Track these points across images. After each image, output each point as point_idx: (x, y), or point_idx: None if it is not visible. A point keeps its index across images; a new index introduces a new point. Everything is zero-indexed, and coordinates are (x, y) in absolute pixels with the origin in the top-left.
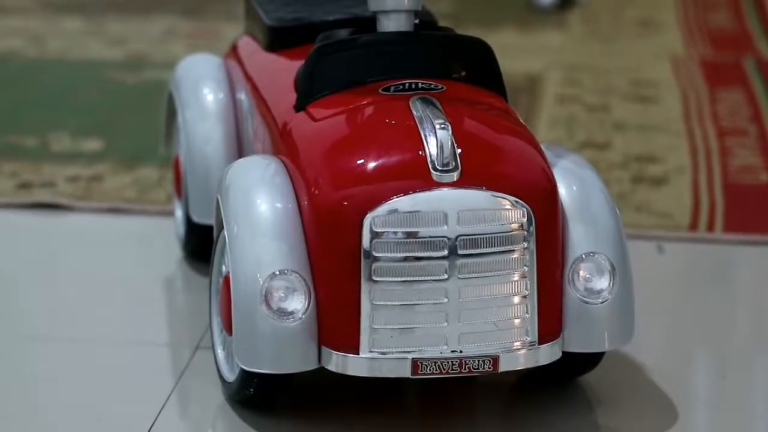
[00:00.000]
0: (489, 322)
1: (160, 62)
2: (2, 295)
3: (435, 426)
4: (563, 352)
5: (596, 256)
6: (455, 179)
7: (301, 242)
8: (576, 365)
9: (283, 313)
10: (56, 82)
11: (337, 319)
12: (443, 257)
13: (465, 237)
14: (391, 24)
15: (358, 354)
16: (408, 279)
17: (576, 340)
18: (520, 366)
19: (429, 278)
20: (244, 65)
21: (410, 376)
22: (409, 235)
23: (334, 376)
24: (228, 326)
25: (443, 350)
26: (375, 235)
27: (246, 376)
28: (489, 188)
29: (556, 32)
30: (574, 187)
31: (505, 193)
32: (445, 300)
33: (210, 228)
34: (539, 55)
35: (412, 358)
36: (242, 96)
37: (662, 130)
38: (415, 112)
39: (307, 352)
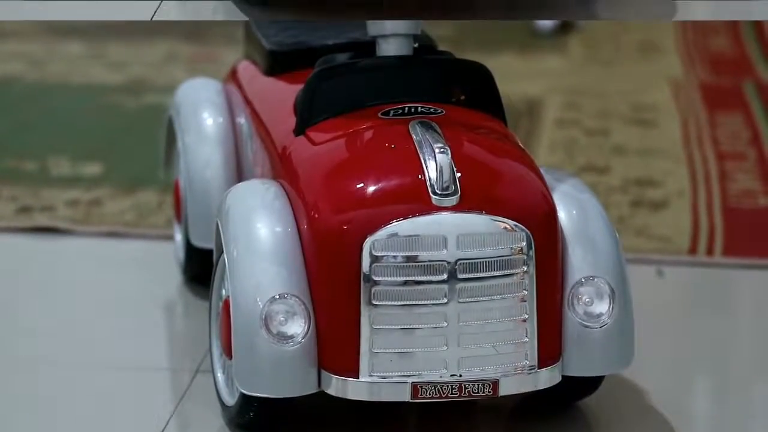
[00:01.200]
0: (488, 345)
1: (161, 86)
2: (2, 318)
3: None
4: (563, 376)
5: (596, 280)
6: (455, 203)
7: (301, 266)
8: (576, 389)
9: (283, 337)
10: (56, 106)
11: (336, 343)
12: (443, 281)
13: (465, 261)
14: (390, 48)
15: (358, 378)
16: (408, 303)
17: (575, 364)
18: (520, 390)
19: (429, 302)
20: (243, 89)
21: (410, 400)
22: (408, 259)
23: (334, 400)
24: (228, 350)
25: (443, 374)
26: (375, 259)
27: (246, 400)
28: (488, 212)
29: (556, 56)
30: (574, 211)
31: (504, 217)
32: (445, 324)
33: (210, 252)
34: (539, 79)
35: (412, 382)
36: (242, 120)
37: (662, 154)
38: (414, 136)
39: (307, 376)
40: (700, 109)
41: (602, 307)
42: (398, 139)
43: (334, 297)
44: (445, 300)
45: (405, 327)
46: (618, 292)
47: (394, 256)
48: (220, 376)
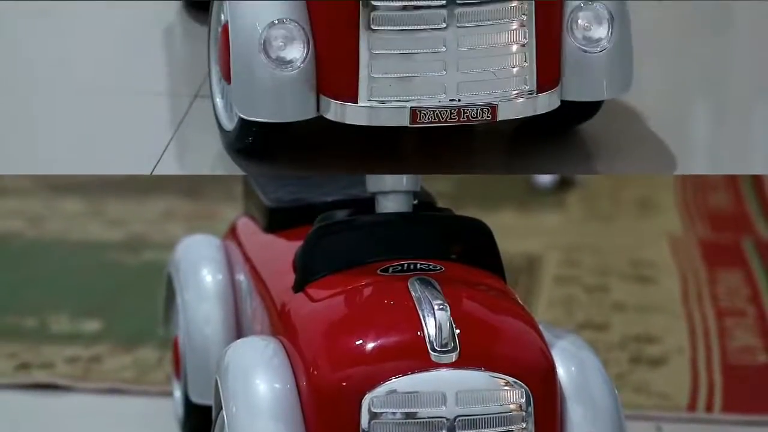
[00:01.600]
0: None
1: (160, 243)
2: None
3: None
4: None
5: None
6: (454, 360)
7: (300, 424)
8: None
9: None
10: (56, 263)
11: None
12: None
13: (464, 417)
14: (389, 205)
15: None
16: None
17: None
18: None
19: None
20: (243, 246)
21: None
22: (407, 416)
23: None
24: None
25: None
26: (374, 415)
27: None
28: (487, 369)
29: (556, 213)
30: (573, 368)
31: (503, 373)
32: None
33: (209, 409)
34: (538, 235)
35: None
36: (241, 277)
37: (661, 311)
38: (413, 293)
39: None
40: (699, 266)
41: None
42: (397, 296)
43: None
44: None
45: None
46: None
47: (393, 413)
48: None
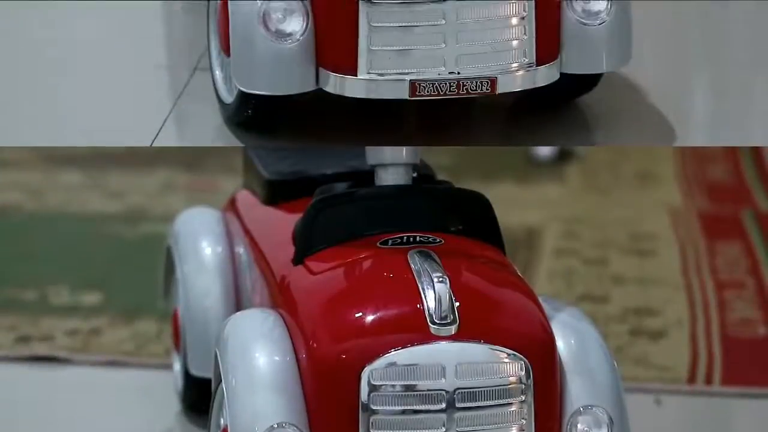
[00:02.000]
0: None
1: (159, 215)
2: None
3: None
4: None
5: (594, 409)
6: (453, 332)
7: (300, 397)
8: None
9: None
10: (55, 236)
11: None
12: (441, 410)
13: (463, 390)
14: (389, 177)
15: None
16: None
17: None
18: None
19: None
20: (242, 219)
21: None
22: (407, 388)
23: None
24: None
25: None
26: (373, 388)
27: None
28: (487, 341)
29: (555, 185)
30: (572, 341)
31: (502, 346)
32: None
33: (209, 382)
34: (538, 207)
35: None
36: (241, 249)
37: (660, 284)
38: (413, 266)
39: None
40: (698, 238)
41: None
42: (397, 268)
43: (333, 427)
44: (444, 429)
45: None
46: (617, 421)
47: (393, 386)
48: None
